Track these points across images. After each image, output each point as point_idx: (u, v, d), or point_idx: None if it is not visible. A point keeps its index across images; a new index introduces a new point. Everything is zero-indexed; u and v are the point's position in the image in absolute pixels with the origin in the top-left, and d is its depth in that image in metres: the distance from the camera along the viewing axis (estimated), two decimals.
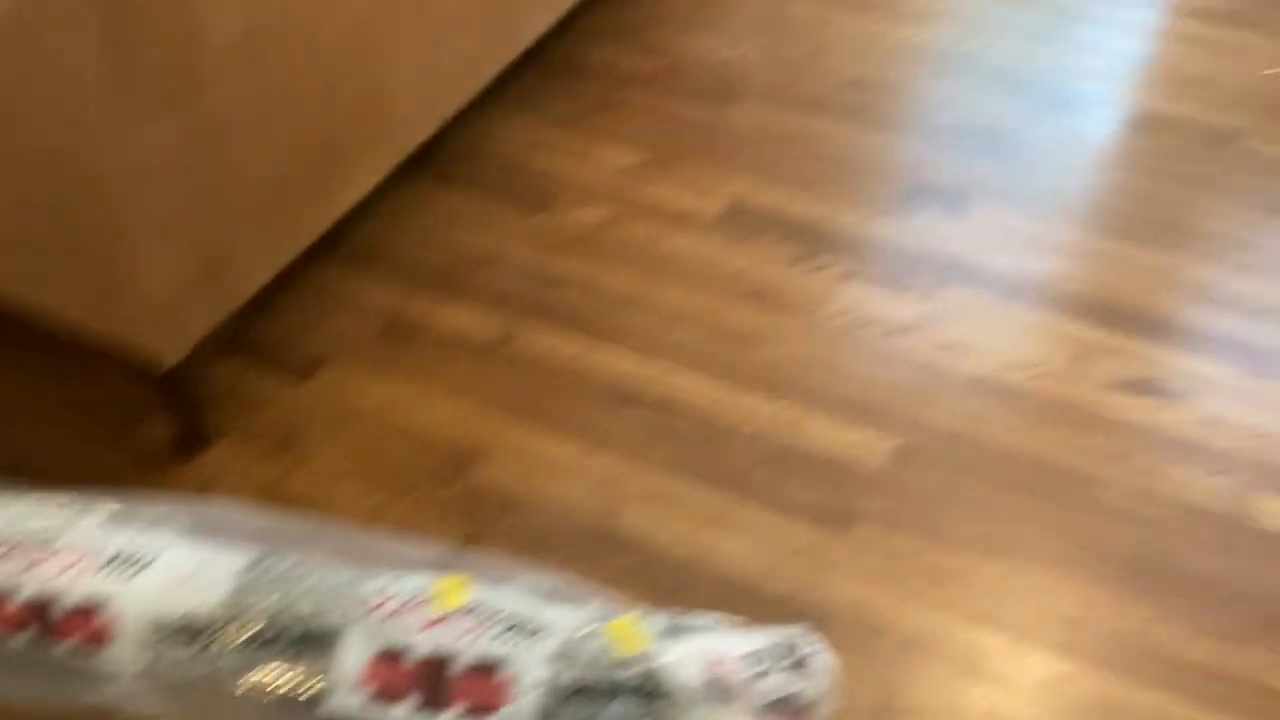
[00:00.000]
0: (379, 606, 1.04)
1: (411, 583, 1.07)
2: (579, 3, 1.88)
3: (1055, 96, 1.96)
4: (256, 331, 1.44)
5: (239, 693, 1.03)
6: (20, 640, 1.04)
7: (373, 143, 1.39)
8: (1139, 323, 1.54)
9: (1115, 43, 2.12)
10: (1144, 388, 1.45)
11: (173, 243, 1.09)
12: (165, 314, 1.14)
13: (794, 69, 1.99)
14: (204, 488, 1.25)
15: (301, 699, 1.03)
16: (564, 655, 1.02)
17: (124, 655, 1.04)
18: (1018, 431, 1.39)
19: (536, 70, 1.95)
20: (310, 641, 1.03)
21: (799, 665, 1.03)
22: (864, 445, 1.36)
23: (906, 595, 1.20)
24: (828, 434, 1.37)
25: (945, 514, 1.29)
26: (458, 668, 1.01)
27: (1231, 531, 1.29)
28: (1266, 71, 2.10)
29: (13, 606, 1.03)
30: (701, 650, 1.04)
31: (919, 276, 1.60)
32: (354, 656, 1.01)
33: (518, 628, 1.04)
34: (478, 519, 1.25)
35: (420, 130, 1.50)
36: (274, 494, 1.26)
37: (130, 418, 1.32)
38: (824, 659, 1.04)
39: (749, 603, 1.17)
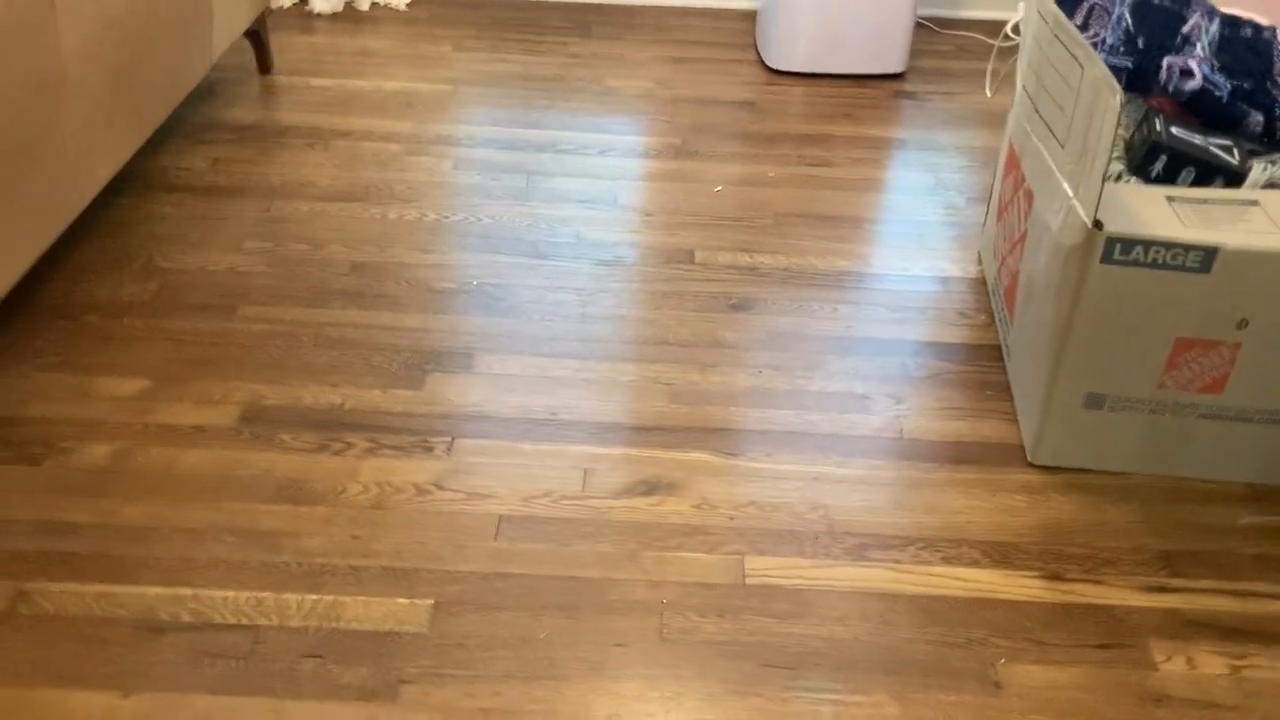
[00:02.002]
0: None
1: None
2: (55, 243, 1.86)
3: (537, 247, 2.18)
4: None
5: None
6: None
7: None
8: (634, 431, 1.74)
9: (587, 190, 2.40)
10: (645, 489, 1.64)
11: None
12: None
13: (293, 266, 2.08)
14: None
15: None
16: None
17: None
18: (543, 558, 1.51)
19: (25, 318, 1.90)
20: None
21: None
22: (402, 612, 1.43)
23: None
24: (367, 611, 1.43)
25: (485, 655, 1.38)
26: None
27: (730, 596, 1.48)
28: (716, 189, 2.45)
29: None
30: None
31: (437, 437, 1.71)
32: None
33: None
34: None
35: None
36: None
37: None
38: None
39: None
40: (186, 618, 1.40)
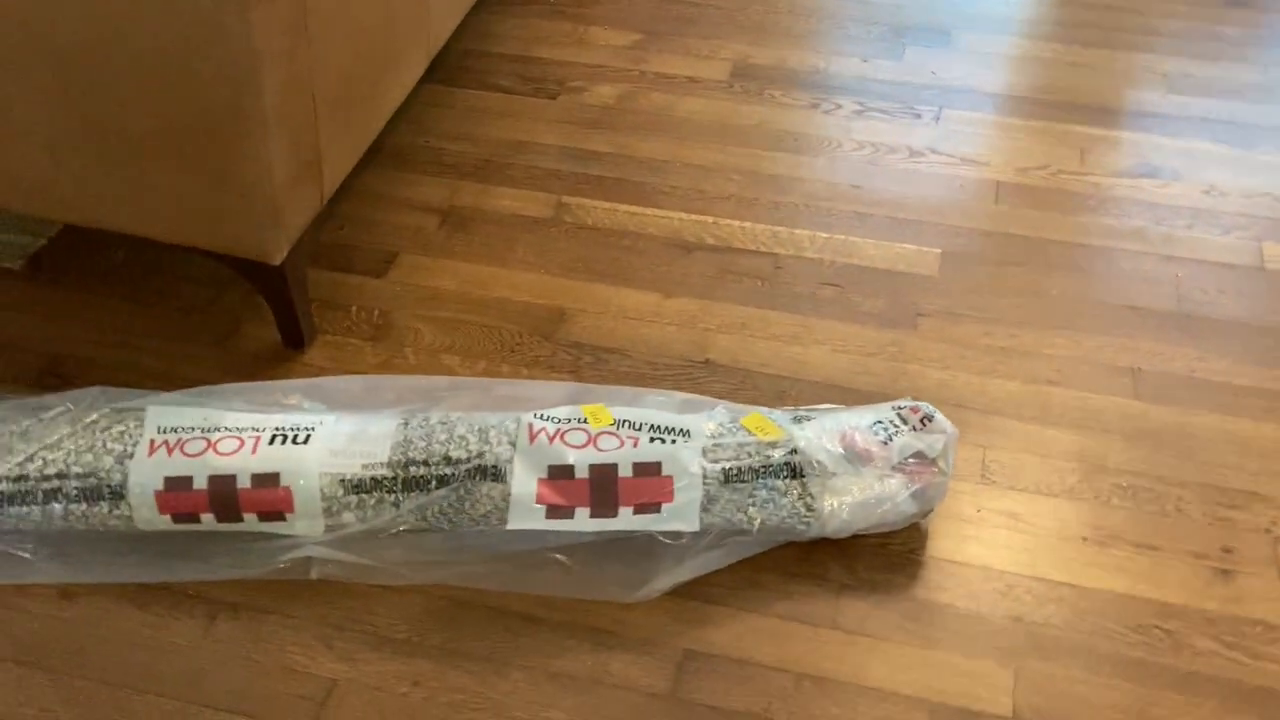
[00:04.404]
0: (536, 435, 1.13)
1: (558, 413, 1.16)
2: None
3: None
4: (323, 237, 1.50)
5: (420, 530, 1.12)
6: (207, 520, 1.12)
7: (416, 38, 1.45)
8: (1130, 116, 1.68)
9: None
10: (1148, 171, 1.59)
11: (276, 137, 1.15)
12: (270, 211, 1.19)
13: None
14: (316, 382, 1.32)
15: (486, 524, 1.12)
16: (712, 449, 1.13)
17: (305, 519, 1.12)
18: (1046, 223, 1.51)
19: None
20: (482, 474, 1.12)
21: (921, 427, 1.14)
22: (913, 255, 1.48)
23: (980, 373, 1.33)
24: (878, 251, 1.48)
25: (998, 302, 1.41)
26: (621, 474, 1.11)
27: (1248, 278, 1.44)
28: None
29: (194, 493, 1.11)
30: (831, 428, 1.15)
31: (924, 105, 1.71)
32: (524, 481, 1.11)
33: (664, 434, 1.13)
34: (582, 366, 1.34)
35: (446, 26, 1.56)
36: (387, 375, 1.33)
37: (228, 326, 1.38)
38: (940, 419, 1.16)
39: (846, 398, 1.28)
40: (711, 241, 1.50)
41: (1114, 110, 1.69)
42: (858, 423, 1.15)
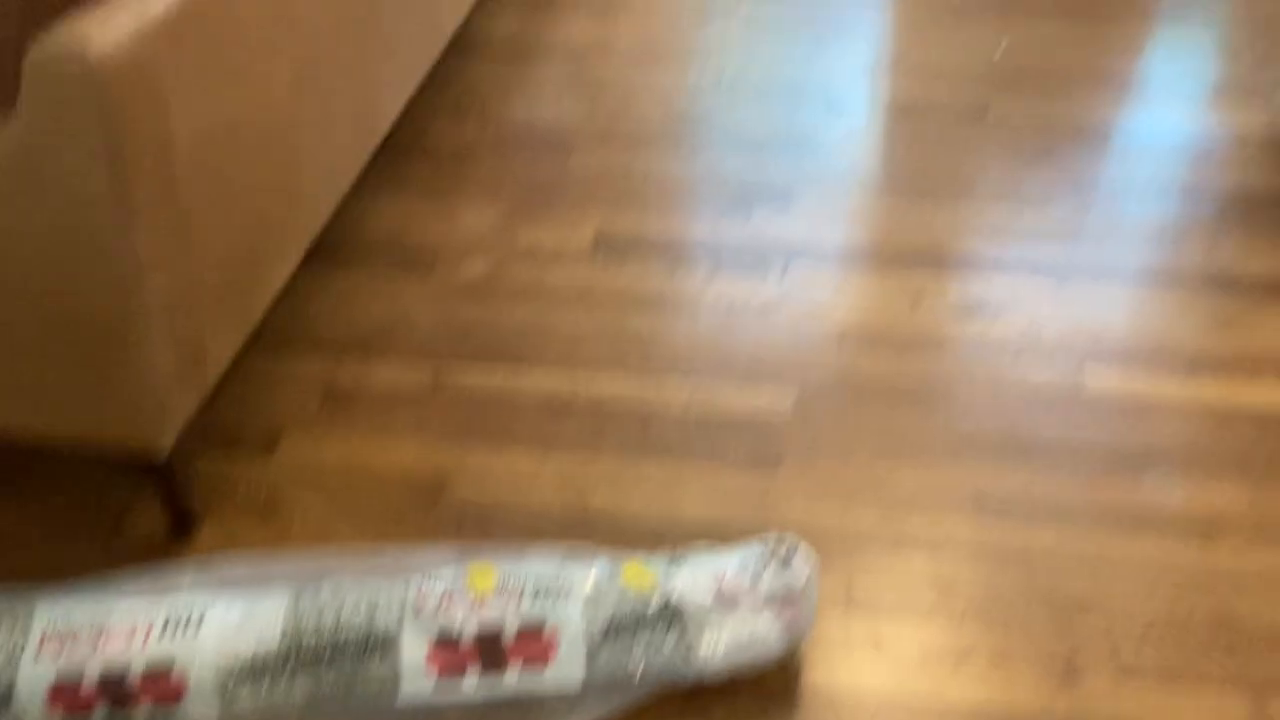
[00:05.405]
0: (423, 603, 1.18)
1: (444, 577, 1.21)
2: (418, 86, 2.07)
3: (832, 99, 2.29)
4: (209, 420, 1.54)
5: (314, 708, 1.15)
6: (99, 715, 1.13)
7: (292, 227, 1.53)
8: (955, 262, 1.85)
9: (862, 49, 2.49)
10: (974, 311, 1.75)
11: (161, 336, 1.21)
12: (156, 406, 1.24)
13: (613, 118, 2.24)
14: (206, 564, 1.34)
15: (376, 697, 1.16)
16: (592, 602, 1.19)
17: (199, 706, 1.14)
18: (887, 364, 1.65)
19: (387, 153, 2.12)
20: (372, 648, 1.16)
21: (784, 563, 1.23)
22: (770, 401, 1.59)
23: (839, 505, 1.43)
24: (738, 398, 1.59)
25: (851, 439, 1.53)
26: (507, 635, 1.16)
27: (1069, 402, 1.59)
28: (996, 57, 2.50)
29: (85, 687, 1.12)
30: (702, 572, 1.23)
31: (771, 262, 1.86)
32: (414, 649, 1.15)
33: (547, 590, 1.20)
34: (466, 530, 1.39)
35: (320, 215, 1.65)
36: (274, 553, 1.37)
37: (113, 515, 1.40)
38: (803, 553, 1.25)
39: (720, 538, 1.37)
40: (584, 399, 1.59)
41: (943, 256, 1.86)
42: (727, 564, 1.23)
